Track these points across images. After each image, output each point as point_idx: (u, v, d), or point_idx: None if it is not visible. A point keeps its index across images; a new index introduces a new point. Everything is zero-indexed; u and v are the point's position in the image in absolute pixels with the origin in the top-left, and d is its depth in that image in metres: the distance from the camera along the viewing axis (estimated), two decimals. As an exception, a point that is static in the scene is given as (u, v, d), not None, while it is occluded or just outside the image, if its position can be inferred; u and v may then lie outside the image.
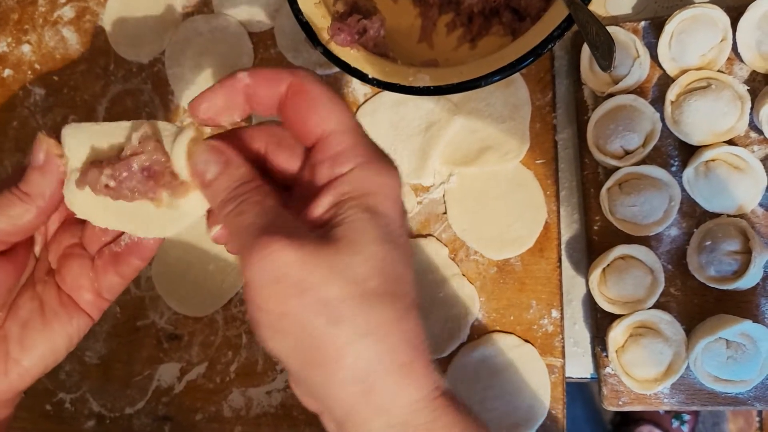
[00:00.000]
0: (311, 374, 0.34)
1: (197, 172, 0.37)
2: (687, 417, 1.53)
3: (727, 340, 0.55)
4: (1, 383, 0.43)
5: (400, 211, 0.35)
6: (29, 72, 0.76)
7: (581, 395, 1.60)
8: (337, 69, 0.59)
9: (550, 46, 0.54)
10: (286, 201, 0.37)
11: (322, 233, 0.34)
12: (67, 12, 0.75)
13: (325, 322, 0.32)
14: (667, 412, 1.51)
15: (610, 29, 0.59)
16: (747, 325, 0.55)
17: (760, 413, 1.57)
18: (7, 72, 0.76)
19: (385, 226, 0.34)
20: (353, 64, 0.58)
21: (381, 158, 0.35)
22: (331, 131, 0.35)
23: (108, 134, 0.39)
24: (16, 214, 0.40)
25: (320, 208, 0.34)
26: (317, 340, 0.32)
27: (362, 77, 0.57)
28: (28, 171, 0.40)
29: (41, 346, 0.44)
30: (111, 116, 0.73)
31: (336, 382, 0.33)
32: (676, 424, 1.52)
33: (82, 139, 0.39)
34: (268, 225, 0.34)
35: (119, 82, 0.73)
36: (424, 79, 0.56)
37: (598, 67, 0.50)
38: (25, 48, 0.76)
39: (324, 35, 0.58)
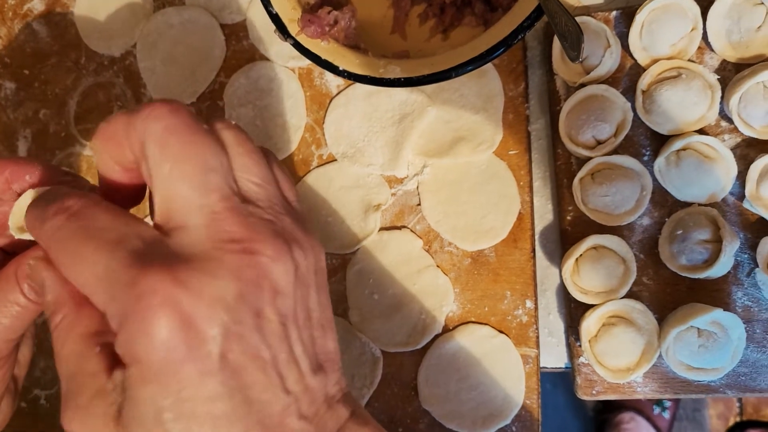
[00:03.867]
0: None
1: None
2: (668, 404, 1.55)
3: (698, 328, 0.56)
4: None
5: (185, 366, 0.30)
6: (-1, 66, 0.75)
7: (563, 383, 1.61)
8: (309, 61, 0.59)
9: (520, 37, 0.54)
10: None
11: (126, 397, 0.31)
12: (37, 5, 0.74)
13: None
14: (648, 399, 1.52)
15: (581, 19, 0.59)
16: (718, 314, 0.55)
17: (740, 399, 1.59)
18: (-24, 66, 0.75)
19: (164, 398, 0.30)
20: (324, 56, 0.57)
21: (139, 321, 0.29)
22: (89, 294, 0.31)
23: None
24: (29, 318, 0.39)
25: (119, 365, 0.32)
26: None
27: (333, 69, 0.57)
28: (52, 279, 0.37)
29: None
30: (83, 110, 0.73)
31: None
32: (657, 410, 1.54)
33: None
34: (66, 392, 0.33)
35: (91, 75, 0.73)
36: (394, 71, 0.56)
37: (567, 57, 0.50)
38: (-5, 41, 0.75)
39: (294, 27, 0.58)
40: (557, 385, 1.62)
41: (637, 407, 1.54)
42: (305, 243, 0.35)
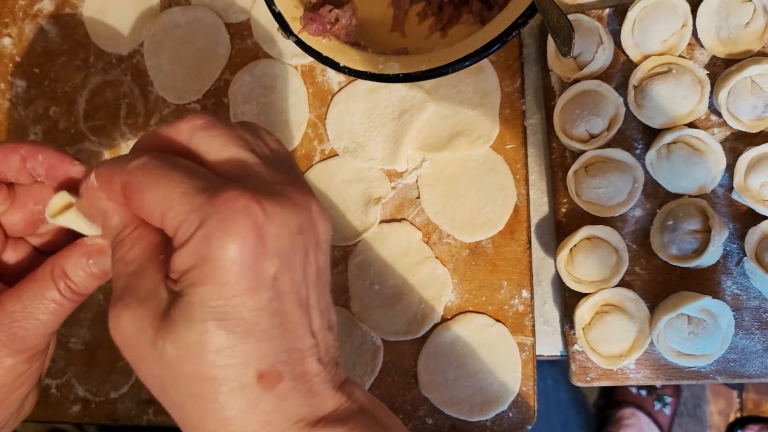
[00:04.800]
0: None
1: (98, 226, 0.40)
2: (669, 399, 1.56)
3: (688, 315, 0.58)
4: None
5: (245, 274, 0.33)
6: (10, 65, 0.77)
7: (565, 379, 1.62)
8: (311, 59, 0.61)
9: (514, 34, 0.56)
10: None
11: (176, 297, 0.34)
12: (47, 5, 0.76)
13: (156, 392, 0.36)
14: (649, 394, 1.53)
15: (574, 17, 0.60)
16: (707, 301, 0.57)
17: (740, 395, 1.60)
18: (-12, 65, 0.77)
19: (215, 299, 0.33)
20: (325, 53, 0.59)
21: (219, 222, 0.33)
22: (163, 212, 0.35)
23: None
24: (64, 314, 0.42)
25: (172, 274, 0.35)
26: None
27: (334, 65, 0.59)
28: (83, 275, 0.41)
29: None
30: (91, 107, 0.75)
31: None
32: (658, 406, 1.55)
33: None
34: (122, 289, 0.36)
35: (99, 73, 0.75)
36: (393, 67, 0.58)
37: (559, 53, 0.51)
38: (6, 41, 0.77)
39: (296, 25, 0.60)
40: (559, 381, 1.64)
41: (638, 403, 1.55)
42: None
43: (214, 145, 0.37)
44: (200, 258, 0.33)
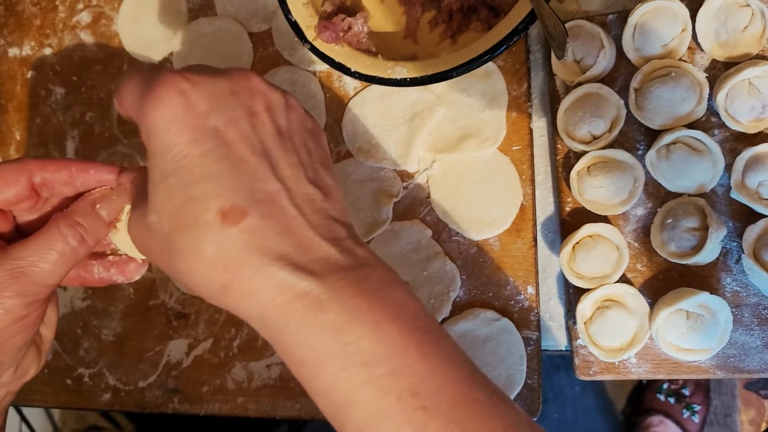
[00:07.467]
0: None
1: None
2: (697, 408, 1.55)
3: (687, 311, 0.59)
4: None
5: (182, 129, 0.37)
6: (50, 73, 0.82)
7: (592, 386, 1.62)
8: (328, 65, 0.64)
9: (515, 39, 0.58)
10: None
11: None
12: (85, 17, 0.82)
13: (162, 266, 0.40)
14: (677, 402, 1.53)
15: (576, 22, 0.63)
16: (705, 297, 0.58)
17: (772, 404, 1.58)
18: (30, 73, 0.83)
19: (166, 161, 0.38)
20: (337, 59, 0.63)
21: (150, 96, 0.38)
22: (128, 106, 0.41)
23: None
24: (65, 266, 0.45)
25: None
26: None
27: (345, 71, 0.62)
28: (91, 220, 0.46)
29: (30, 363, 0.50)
30: (124, 112, 0.79)
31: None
32: (686, 414, 1.54)
33: None
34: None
35: (132, 80, 0.79)
36: (401, 72, 0.61)
37: (555, 56, 0.54)
38: (47, 51, 0.82)
39: (312, 33, 0.64)
40: (587, 388, 1.64)
41: (666, 410, 1.55)
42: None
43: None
44: (146, 132, 0.38)
